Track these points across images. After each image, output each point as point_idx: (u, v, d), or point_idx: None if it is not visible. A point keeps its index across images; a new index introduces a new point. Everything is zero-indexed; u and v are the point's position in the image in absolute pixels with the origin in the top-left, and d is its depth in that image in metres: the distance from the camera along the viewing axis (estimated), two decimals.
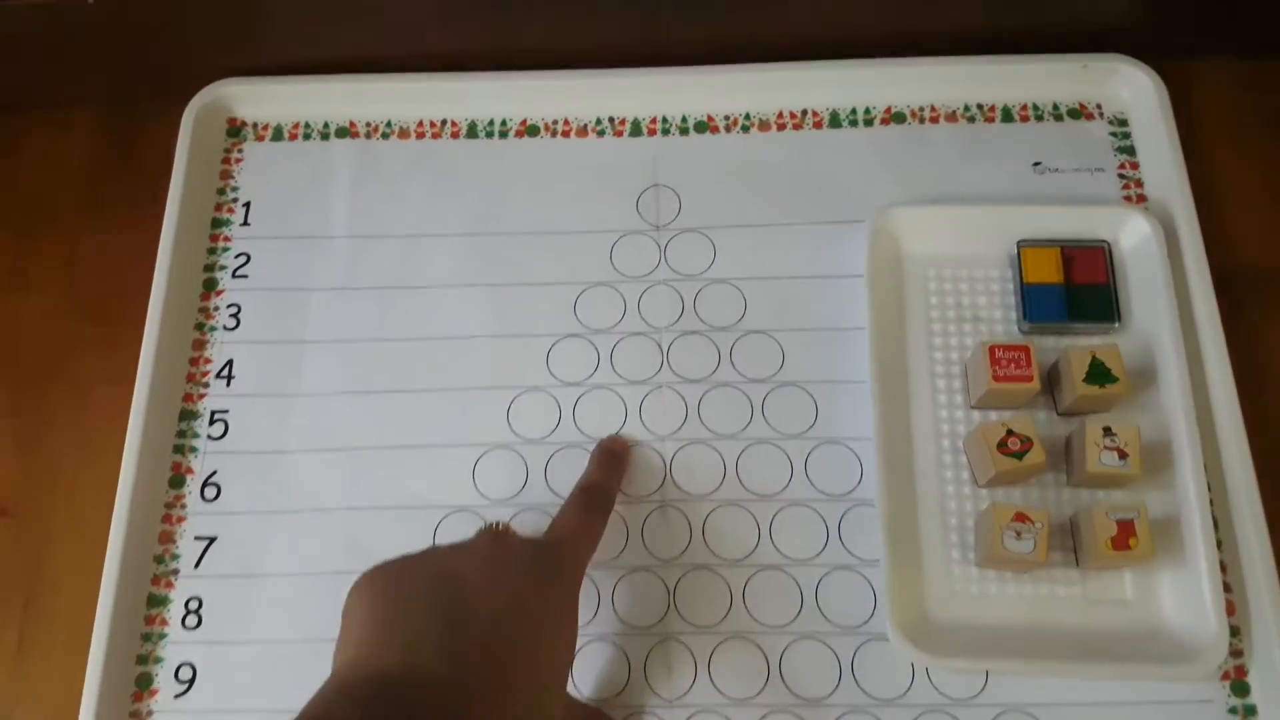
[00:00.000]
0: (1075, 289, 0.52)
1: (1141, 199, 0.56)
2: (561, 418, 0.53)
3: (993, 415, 0.51)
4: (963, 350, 0.53)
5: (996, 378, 0.48)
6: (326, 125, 0.60)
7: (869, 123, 0.59)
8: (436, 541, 0.50)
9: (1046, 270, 0.53)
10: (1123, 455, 0.47)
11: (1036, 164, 0.57)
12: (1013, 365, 0.49)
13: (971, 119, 0.58)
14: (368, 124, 0.60)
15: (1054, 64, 0.58)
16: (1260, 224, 0.56)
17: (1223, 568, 0.48)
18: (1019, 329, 0.53)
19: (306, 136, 0.60)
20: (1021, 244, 0.53)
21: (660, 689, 0.48)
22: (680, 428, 0.53)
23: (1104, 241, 0.53)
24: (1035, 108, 0.58)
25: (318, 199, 0.58)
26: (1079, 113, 0.58)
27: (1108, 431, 0.47)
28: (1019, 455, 0.47)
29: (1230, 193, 0.57)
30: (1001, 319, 0.53)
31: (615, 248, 0.57)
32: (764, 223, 0.57)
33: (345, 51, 0.60)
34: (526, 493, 0.52)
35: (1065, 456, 0.50)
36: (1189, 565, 0.47)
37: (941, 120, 0.58)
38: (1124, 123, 0.58)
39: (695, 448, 0.52)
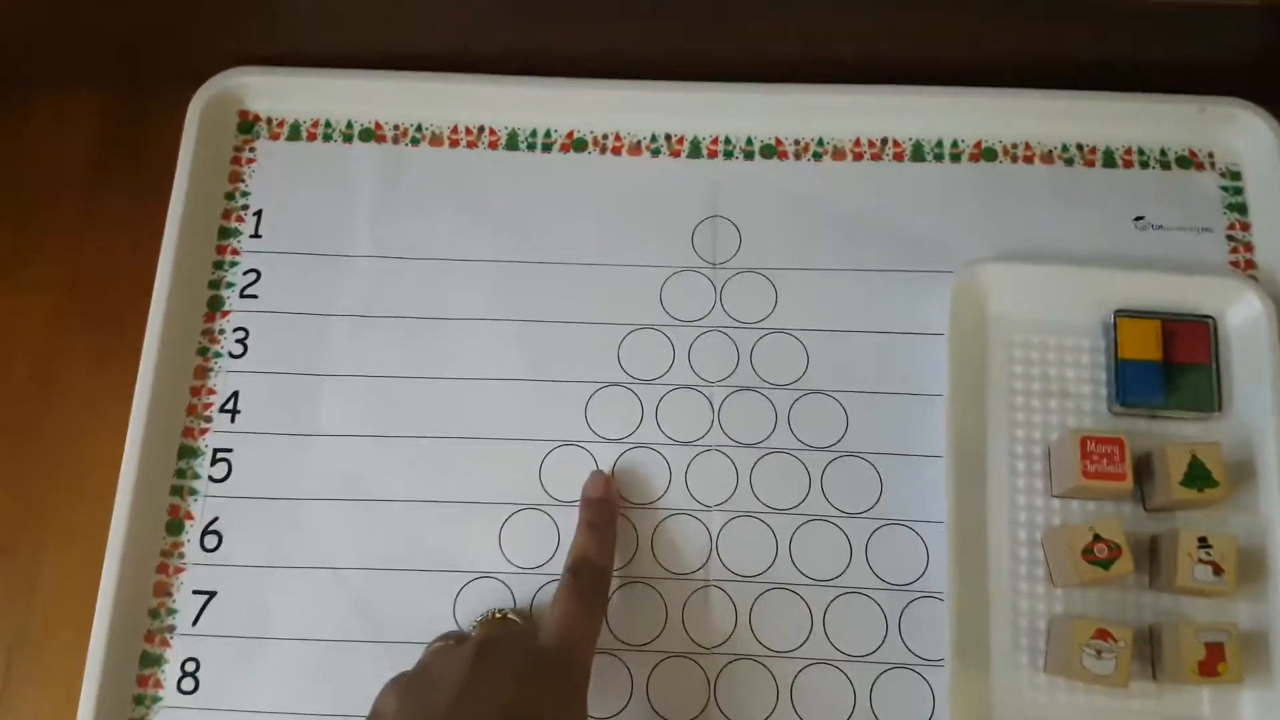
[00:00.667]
0: (1175, 368, 0.47)
1: (1250, 264, 0.50)
2: None
3: (1073, 504, 0.46)
4: (1046, 429, 0.48)
5: (1087, 474, 0.44)
6: (350, 125, 0.54)
7: (955, 157, 0.53)
8: (457, 610, 0.46)
9: (1145, 346, 0.47)
10: (1218, 570, 0.43)
11: (1138, 219, 0.51)
12: (1105, 460, 0.44)
13: (1070, 161, 0.52)
14: (396, 127, 0.54)
15: (1166, 105, 0.52)
16: None
17: None
18: (1108, 408, 0.48)
19: (327, 137, 0.54)
20: (1119, 314, 0.48)
21: None
22: (729, 498, 0.48)
23: (1209, 317, 0.48)
24: (1141, 152, 0.52)
25: (337, 211, 0.52)
26: (1189, 161, 0.52)
27: (1203, 543, 0.43)
28: (1106, 564, 0.43)
29: None
30: (1090, 395, 0.48)
31: (666, 286, 0.51)
32: (833, 266, 0.51)
33: (375, 44, 0.53)
34: (557, 560, 0.47)
35: (1150, 557, 0.46)
36: (1276, 688, 0.43)
37: (1036, 160, 0.52)
38: (1236, 175, 0.52)
39: (745, 521, 0.47)
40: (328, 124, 0.54)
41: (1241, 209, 0.51)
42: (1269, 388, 0.46)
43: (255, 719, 0.45)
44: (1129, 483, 0.44)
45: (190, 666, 0.46)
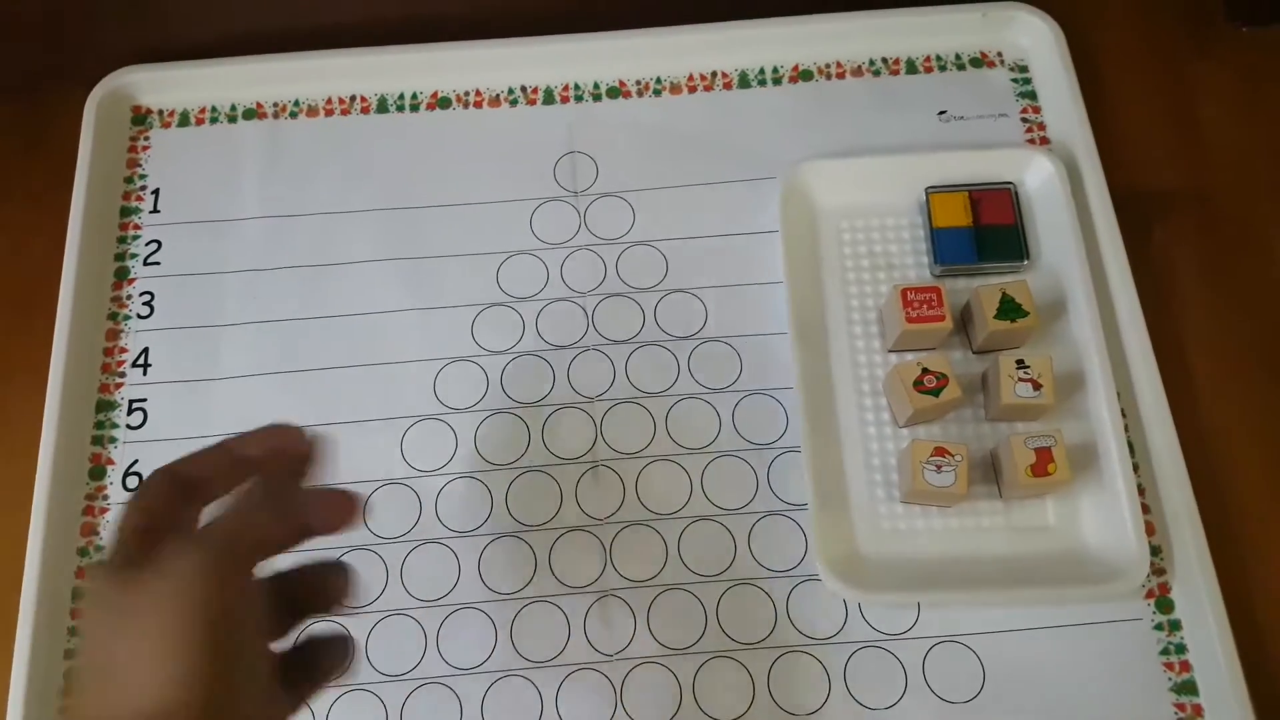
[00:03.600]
0: (984, 230, 0.54)
1: (1045, 141, 0.57)
2: (489, 385, 0.53)
3: (909, 357, 0.52)
4: (878, 297, 0.53)
5: (910, 319, 0.49)
6: (234, 108, 0.59)
7: (777, 81, 0.59)
8: (366, 515, 0.50)
9: (955, 214, 0.54)
10: (1037, 386, 0.48)
11: (942, 113, 0.58)
12: (925, 306, 0.50)
13: (877, 73, 0.59)
14: (275, 104, 0.59)
15: (954, 14, 0.59)
16: (1159, 149, 0.58)
17: (1140, 491, 0.49)
18: (931, 273, 0.54)
19: (214, 120, 0.59)
20: (930, 190, 0.54)
21: (600, 645, 0.48)
22: (608, 389, 0.53)
23: (1010, 183, 0.55)
24: (939, 59, 0.59)
25: (228, 182, 0.57)
26: (981, 61, 0.59)
27: (1021, 364, 0.49)
28: (935, 392, 0.48)
29: (1128, 122, 0.58)
30: (914, 264, 0.54)
31: (534, 216, 0.57)
32: (680, 184, 0.57)
33: (249, 28, 0.59)
34: (456, 462, 0.51)
35: (982, 392, 0.51)
36: (1107, 488, 0.49)
37: (848, 75, 0.59)
38: (1024, 69, 0.59)
39: (624, 407, 0.52)
40: (213, 109, 0.59)
41: (1032, 95, 0.58)
42: (1068, 235, 0.52)
43: None
44: (948, 323, 0.49)
45: None
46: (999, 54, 0.60)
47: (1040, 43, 0.59)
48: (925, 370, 0.48)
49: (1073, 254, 0.52)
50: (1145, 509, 0.49)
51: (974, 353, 0.52)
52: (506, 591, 0.49)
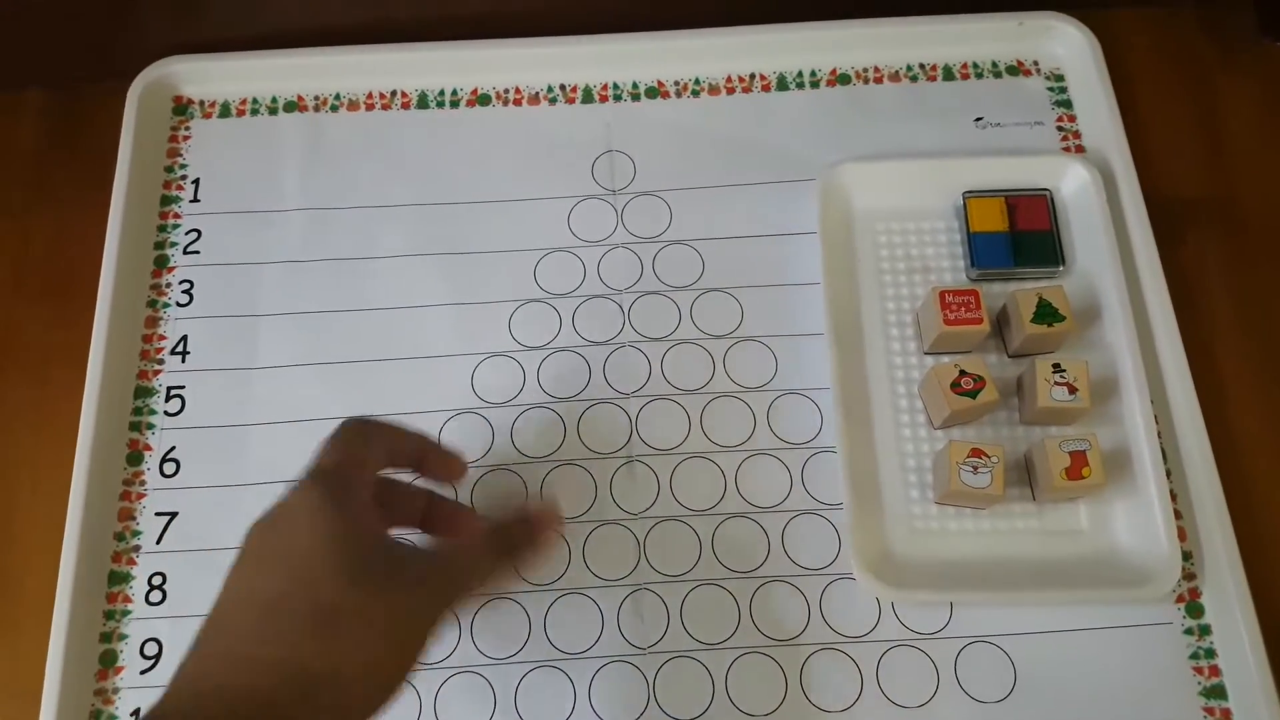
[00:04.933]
0: (1020, 236, 0.54)
1: (1080, 149, 0.58)
2: (526, 380, 0.53)
3: (945, 359, 0.52)
4: (914, 300, 0.54)
5: (947, 321, 0.50)
6: (274, 100, 0.60)
7: (815, 85, 0.60)
8: None
9: (992, 219, 0.54)
10: (1072, 390, 0.49)
11: (978, 119, 0.58)
12: (963, 309, 0.50)
13: (914, 79, 0.60)
14: (316, 98, 0.60)
15: (991, 23, 0.60)
16: (1189, 158, 0.59)
17: (1172, 496, 0.50)
18: (967, 276, 0.54)
19: (254, 112, 0.60)
20: (967, 195, 0.55)
21: (633, 638, 0.48)
22: (644, 385, 0.53)
23: (1046, 190, 0.55)
24: (975, 66, 0.60)
25: (268, 173, 0.58)
26: (1017, 70, 0.60)
27: (1057, 368, 0.49)
28: (972, 394, 0.48)
29: (1161, 131, 0.59)
30: (950, 268, 0.55)
31: (572, 213, 0.57)
32: (717, 184, 0.57)
33: (293, 23, 0.59)
34: (491, 455, 0.52)
35: (1018, 396, 0.52)
36: (1140, 493, 0.49)
37: (885, 80, 0.60)
38: (1060, 77, 0.60)
39: (659, 404, 0.53)
40: (254, 100, 0.60)
41: (1067, 104, 0.59)
42: (1102, 241, 0.53)
43: None
44: (985, 325, 0.50)
45: (157, 580, 0.49)
46: (1035, 63, 0.60)
47: (1076, 52, 0.59)
48: (963, 372, 0.49)
49: (1107, 260, 0.53)
50: (1177, 514, 0.50)
51: (1009, 356, 0.53)
52: (541, 584, 0.49)
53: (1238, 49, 0.62)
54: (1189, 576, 0.49)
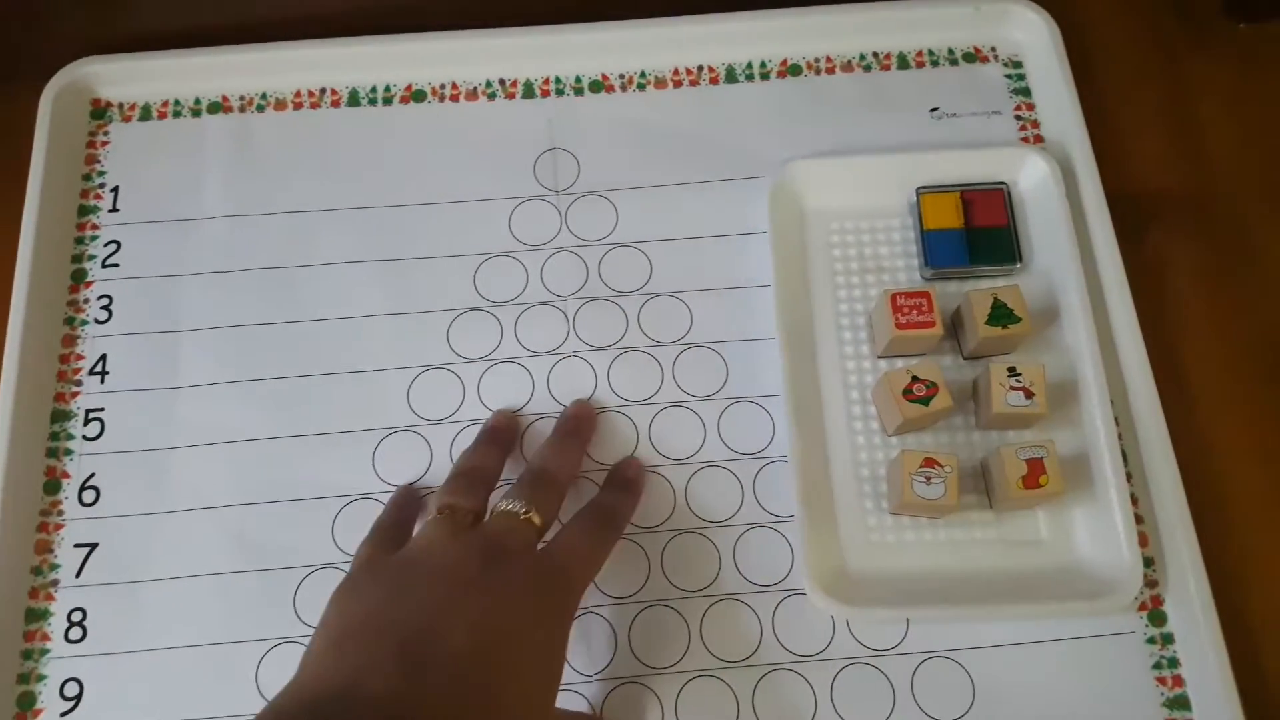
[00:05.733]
0: (976, 232, 0.52)
1: (1039, 139, 0.56)
2: (465, 395, 0.51)
3: (899, 364, 0.50)
4: (868, 301, 0.52)
5: (899, 325, 0.48)
6: (198, 101, 0.57)
7: (765, 76, 0.57)
8: (335, 530, 0.48)
9: (946, 216, 0.52)
10: (1029, 394, 0.47)
11: (934, 110, 0.56)
12: (915, 312, 0.48)
13: (868, 68, 0.57)
14: (242, 98, 0.57)
15: (946, 8, 0.57)
16: (1152, 145, 0.57)
17: (1134, 501, 0.48)
18: (922, 276, 0.52)
19: (177, 114, 0.57)
20: (920, 190, 0.53)
21: (579, 664, 0.46)
22: (589, 397, 0.51)
23: (1002, 183, 0.53)
24: (931, 54, 0.58)
25: (191, 179, 0.55)
26: (974, 57, 0.58)
27: (1012, 371, 0.47)
28: (925, 401, 0.47)
29: (1123, 118, 0.57)
30: (905, 267, 0.53)
31: (513, 215, 0.54)
32: (665, 182, 0.55)
33: (217, 19, 0.56)
34: (431, 476, 0.49)
35: (974, 400, 0.50)
36: (1100, 500, 0.47)
37: (838, 71, 0.57)
38: (1019, 64, 0.57)
39: (606, 416, 0.50)
40: (177, 102, 0.57)
41: (1026, 92, 0.57)
42: (1062, 237, 0.51)
43: (144, 658, 0.46)
44: (939, 329, 0.48)
45: (77, 616, 0.47)
46: (993, 49, 0.58)
47: (1034, 38, 0.57)
48: (915, 378, 0.47)
49: (1067, 257, 0.51)
50: (1139, 519, 0.48)
51: (965, 358, 0.51)
52: None
53: (1204, 32, 0.60)
54: (1151, 584, 0.47)
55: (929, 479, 0.45)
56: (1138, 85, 0.58)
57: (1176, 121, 0.57)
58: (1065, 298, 0.51)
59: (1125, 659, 0.46)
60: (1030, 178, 0.53)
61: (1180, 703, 0.46)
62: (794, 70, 0.57)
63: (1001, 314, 0.48)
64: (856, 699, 0.46)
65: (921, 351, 0.50)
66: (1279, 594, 0.48)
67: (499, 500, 0.43)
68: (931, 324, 0.48)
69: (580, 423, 0.49)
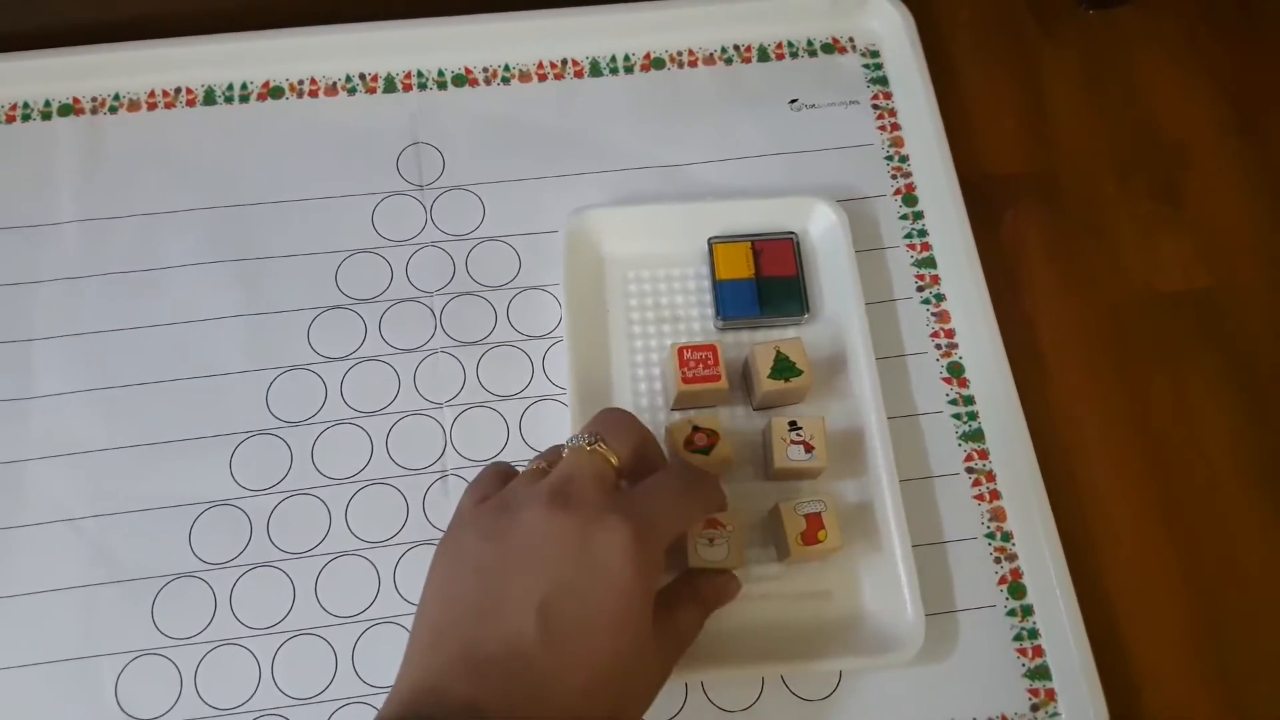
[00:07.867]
0: (766, 282, 0.51)
1: (895, 127, 0.57)
2: (328, 395, 0.50)
3: (694, 413, 0.49)
4: (662, 353, 0.51)
5: (685, 379, 0.47)
6: (48, 104, 0.55)
7: (629, 70, 0.58)
8: (193, 538, 0.47)
9: (738, 266, 0.51)
10: (808, 448, 0.46)
11: (793, 101, 0.57)
12: (701, 365, 0.47)
13: (729, 60, 0.58)
14: (93, 99, 0.55)
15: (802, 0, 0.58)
16: (1007, 131, 0.58)
17: (992, 476, 0.49)
18: (715, 326, 0.52)
19: (26, 118, 0.55)
20: (713, 240, 0.52)
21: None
22: (459, 393, 0.50)
23: (792, 233, 0.52)
24: (790, 45, 0.59)
25: (42, 184, 0.53)
26: (832, 47, 0.59)
27: (794, 425, 0.46)
28: (705, 450, 0.46)
29: (978, 106, 0.58)
30: (698, 316, 0.52)
31: (377, 211, 0.54)
32: (532, 176, 0.55)
33: (68, 18, 0.55)
34: (291, 478, 0.48)
35: (763, 452, 0.49)
36: (884, 551, 0.47)
37: (700, 64, 0.58)
38: (876, 54, 0.59)
39: (476, 411, 0.50)
40: (25, 105, 0.55)
41: (883, 81, 0.58)
42: (849, 287, 0.51)
43: (4, 675, 0.45)
44: (724, 383, 0.47)
45: None
46: (850, 39, 0.59)
47: (891, 27, 0.58)
48: (696, 429, 0.46)
49: (853, 306, 0.50)
50: (996, 495, 0.49)
51: (754, 409, 0.50)
52: (345, 615, 0.46)
53: (1056, 20, 0.62)
54: (1011, 558, 0.49)
55: (712, 540, 0.44)
56: (992, 71, 0.60)
57: (1030, 106, 0.59)
58: (851, 347, 0.50)
59: (987, 632, 0.47)
60: (819, 226, 0.53)
61: (1041, 673, 0.47)
62: (658, 64, 0.58)
63: (784, 367, 0.48)
64: None
65: (712, 404, 0.49)
66: (1133, 560, 0.49)
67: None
68: (717, 378, 0.47)
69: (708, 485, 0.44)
